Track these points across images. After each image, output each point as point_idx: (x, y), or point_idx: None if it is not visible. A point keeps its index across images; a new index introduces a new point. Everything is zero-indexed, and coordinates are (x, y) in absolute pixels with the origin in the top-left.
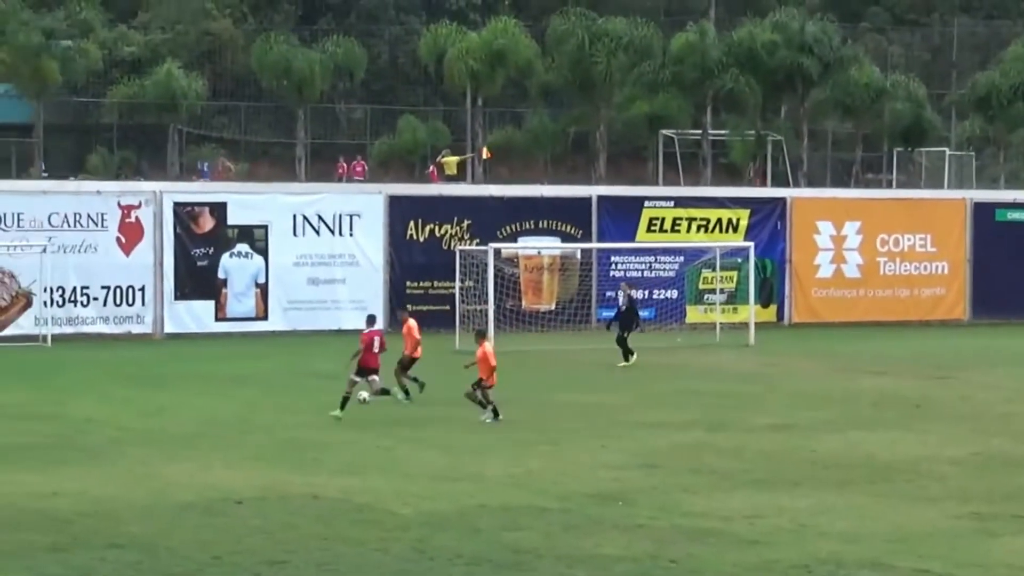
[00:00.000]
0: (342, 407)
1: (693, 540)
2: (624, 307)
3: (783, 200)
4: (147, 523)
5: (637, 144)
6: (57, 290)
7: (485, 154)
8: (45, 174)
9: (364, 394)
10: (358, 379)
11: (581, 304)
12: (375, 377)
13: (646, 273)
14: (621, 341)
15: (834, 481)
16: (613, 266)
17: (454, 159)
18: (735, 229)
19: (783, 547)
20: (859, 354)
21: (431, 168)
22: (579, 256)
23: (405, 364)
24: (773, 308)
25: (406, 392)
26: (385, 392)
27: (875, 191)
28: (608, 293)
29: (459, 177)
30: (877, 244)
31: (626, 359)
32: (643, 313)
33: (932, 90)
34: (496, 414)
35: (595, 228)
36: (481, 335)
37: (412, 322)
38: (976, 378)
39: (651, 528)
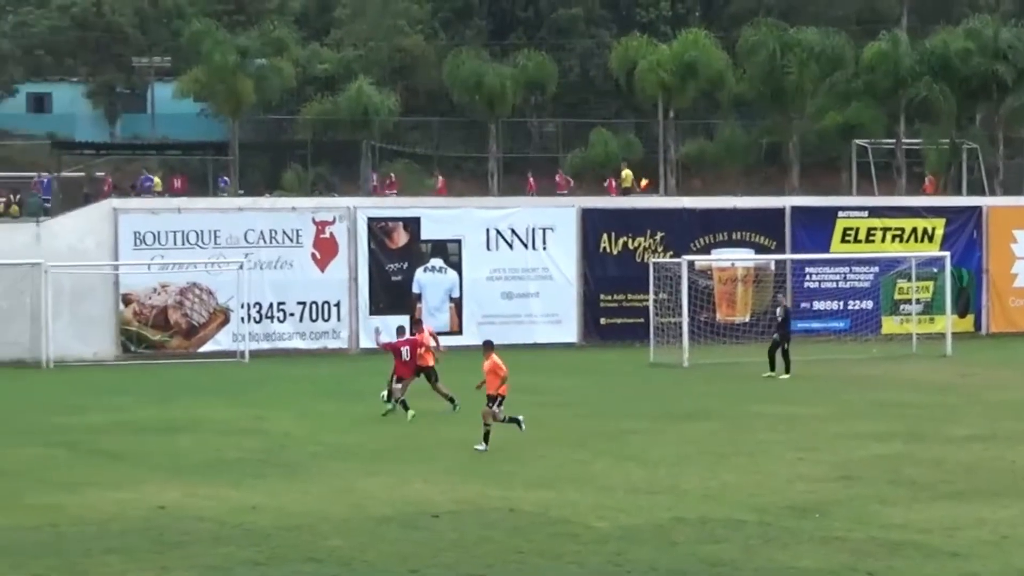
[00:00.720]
0: (404, 408)
1: (891, 553)
2: (780, 319)
3: (979, 209)
4: (345, 537)
5: (830, 154)
6: (254, 306)
7: (643, 184)
8: (241, 192)
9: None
10: (398, 385)
11: (775, 312)
12: (398, 385)
13: (840, 284)
14: (782, 352)
15: None
16: (807, 277)
17: (629, 173)
18: (931, 239)
19: (983, 559)
20: None
21: (608, 181)
22: (773, 267)
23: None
24: (970, 318)
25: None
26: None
27: None
28: (802, 304)
29: (634, 190)
30: None
31: (772, 370)
32: (838, 324)
33: None
34: (488, 435)
35: (788, 239)
36: (488, 347)
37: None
38: None
39: (848, 540)
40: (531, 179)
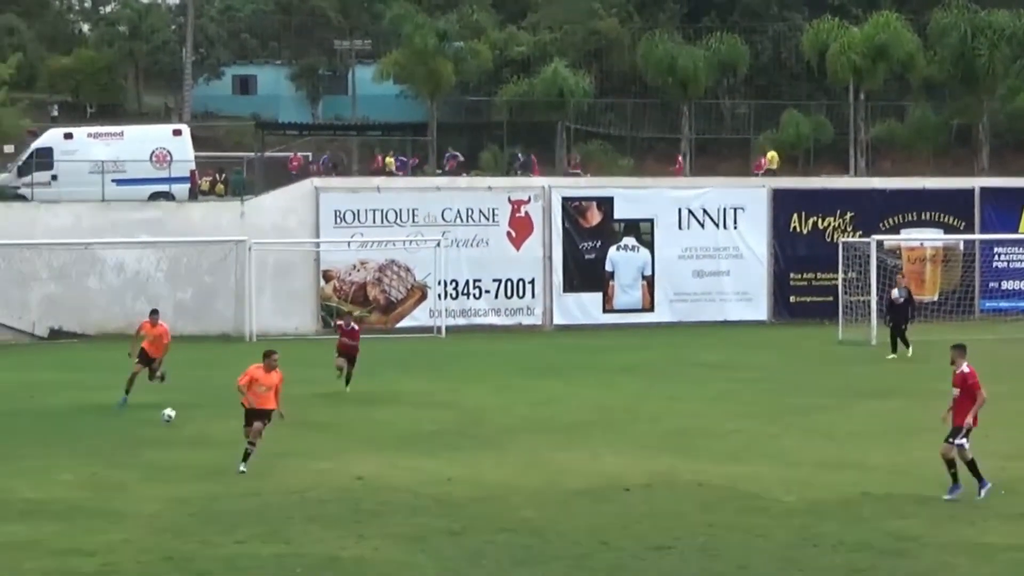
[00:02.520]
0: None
1: None
2: (902, 299)
3: None
4: (538, 508)
5: (1021, 136)
6: (450, 283)
7: (775, 160)
8: (439, 172)
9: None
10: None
11: (964, 295)
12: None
13: None
14: (899, 333)
15: None
16: (996, 257)
17: (775, 155)
18: None
19: None
20: None
21: (759, 161)
22: (962, 247)
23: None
24: None
25: None
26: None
27: None
28: (991, 284)
29: (779, 171)
30: None
31: (894, 351)
32: None
33: None
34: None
35: (978, 220)
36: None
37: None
38: None
39: None
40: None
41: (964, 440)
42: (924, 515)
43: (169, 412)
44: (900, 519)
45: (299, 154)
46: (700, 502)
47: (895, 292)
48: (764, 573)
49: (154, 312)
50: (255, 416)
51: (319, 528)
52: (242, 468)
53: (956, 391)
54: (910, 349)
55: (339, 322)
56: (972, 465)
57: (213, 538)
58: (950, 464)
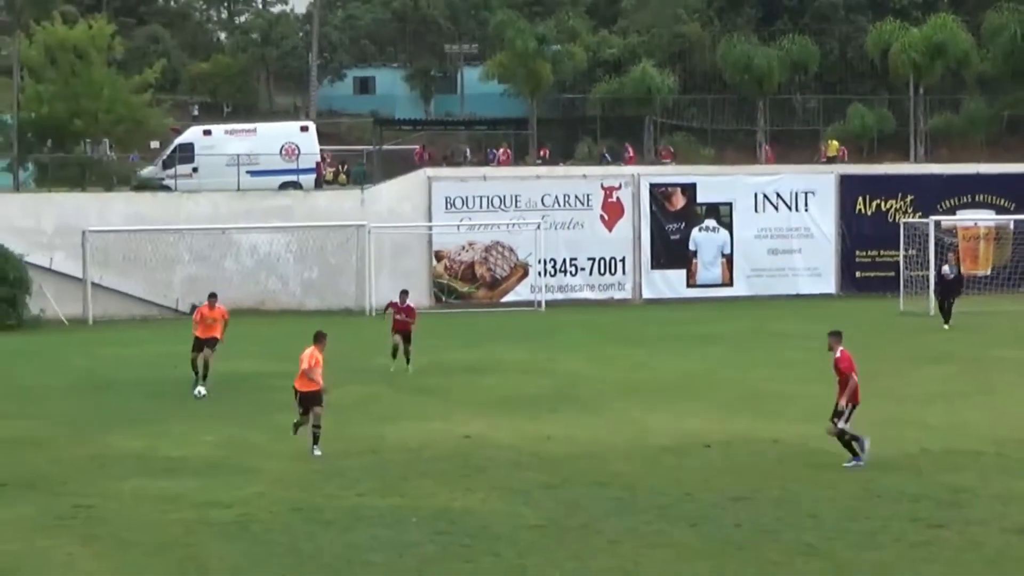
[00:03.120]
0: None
1: None
2: (952, 275)
3: None
4: (628, 464)
5: None
6: (549, 262)
7: (835, 148)
8: (539, 161)
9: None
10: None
11: (1015, 270)
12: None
13: None
14: (948, 306)
15: None
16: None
17: (835, 143)
18: None
19: None
20: None
21: (820, 149)
22: (1012, 227)
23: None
24: None
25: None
26: None
27: None
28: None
29: (840, 158)
30: None
31: (947, 321)
32: None
33: None
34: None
35: None
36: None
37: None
38: None
39: None
40: (767, 150)
41: (843, 420)
42: (977, 469)
43: (201, 389)
44: (955, 472)
45: (423, 147)
46: (775, 458)
47: (945, 268)
48: (833, 521)
49: (212, 296)
50: (308, 400)
51: (431, 482)
52: (316, 452)
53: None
54: (949, 323)
55: (394, 301)
56: (846, 442)
57: (336, 492)
58: (840, 440)
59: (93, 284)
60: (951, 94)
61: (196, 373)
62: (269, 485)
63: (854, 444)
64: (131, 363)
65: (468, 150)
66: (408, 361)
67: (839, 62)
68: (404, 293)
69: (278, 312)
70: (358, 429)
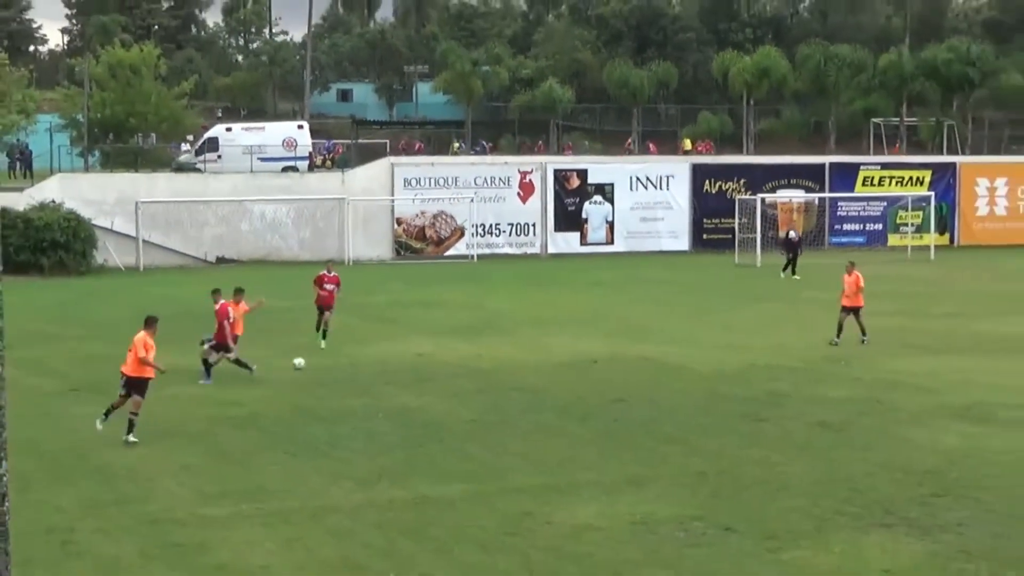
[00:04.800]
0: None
1: (892, 388)
2: (796, 239)
3: (954, 165)
4: (536, 375)
5: (856, 129)
6: (480, 226)
7: (699, 147)
8: (473, 150)
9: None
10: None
11: (818, 234)
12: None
13: (861, 214)
14: (792, 262)
15: (989, 351)
16: (839, 209)
17: (688, 141)
18: (922, 184)
19: (952, 394)
20: (1006, 267)
21: (686, 142)
22: (816, 202)
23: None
24: (947, 236)
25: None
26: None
27: (1017, 157)
28: (836, 226)
29: (694, 151)
30: (1019, 192)
31: (784, 271)
32: (859, 240)
33: None
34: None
35: (828, 183)
36: (238, 292)
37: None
38: None
39: (864, 381)
40: (651, 146)
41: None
42: (792, 379)
43: (300, 361)
44: (776, 381)
45: (417, 142)
46: (644, 371)
47: (791, 233)
48: (685, 417)
49: (239, 291)
50: (134, 386)
51: (393, 388)
52: (131, 439)
53: None
54: (797, 275)
55: (322, 273)
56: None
57: (324, 395)
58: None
59: (144, 241)
60: (773, 105)
61: (246, 365)
62: (273, 390)
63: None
64: (172, 300)
65: (419, 144)
66: (324, 336)
67: (692, 81)
68: (331, 262)
69: (280, 262)
70: (339, 349)
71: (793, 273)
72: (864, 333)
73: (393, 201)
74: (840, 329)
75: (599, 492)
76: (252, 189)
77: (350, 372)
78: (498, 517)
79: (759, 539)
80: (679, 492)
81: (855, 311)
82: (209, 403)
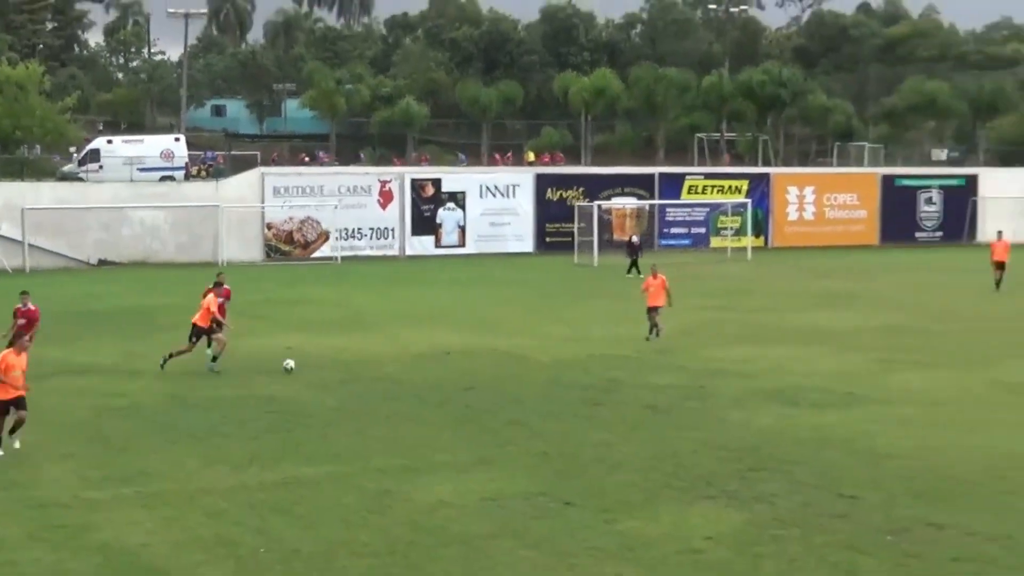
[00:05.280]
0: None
1: (713, 375)
2: (639, 242)
3: (768, 175)
4: (396, 366)
5: (683, 142)
6: (343, 230)
7: (545, 158)
8: (336, 162)
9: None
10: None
11: (649, 236)
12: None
13: (686, 218)
14: (635, 263)
15: (798, 341)
16: (667, 214)
17: (531, 153)
18: (740, 192)
19: (766, 379)
20: (813, 265)
21: (530, 154)
22: (647, 208)
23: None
24: (762, 238)
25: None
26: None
27: (823, 168)
28: (664, 230)
29: (537, 162)
30: (824, 200)
31: (629, 273)
32: (685, 242)
33: (858, 108)
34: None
35: (657, 191)
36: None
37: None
38: (884, 278)
39: (689, 369)
40: (498, 157)
41: None
42: (626, 367)
43: (290, 363)
44: (613, 369)
45: (324, 154)
46: (493, 361)
47: (634, 238)
48: (530, 403)
49: (217, 283)
50: (13, 404)
51: (264, 378)
52: (15, 444)
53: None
54: (641, 274)
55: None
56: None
57: (200, 386)
58: None
59: (30, 245)
60: (609, 121)
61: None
62: (152, 382)
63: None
64: (56, 299)
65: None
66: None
67: (536, 99)
68: (26, 294)
69: (159, 264)
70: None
71: (635, 273)
72: (653, 330)
73: (263, 208)
74: (652, 326)
75: (453, 472)
76: (132, 197)
77: (224, 364)
78: (360, 495)
79: (596, 511)
80: (525, 470)
81: (657, 309)
82: (93, 394)
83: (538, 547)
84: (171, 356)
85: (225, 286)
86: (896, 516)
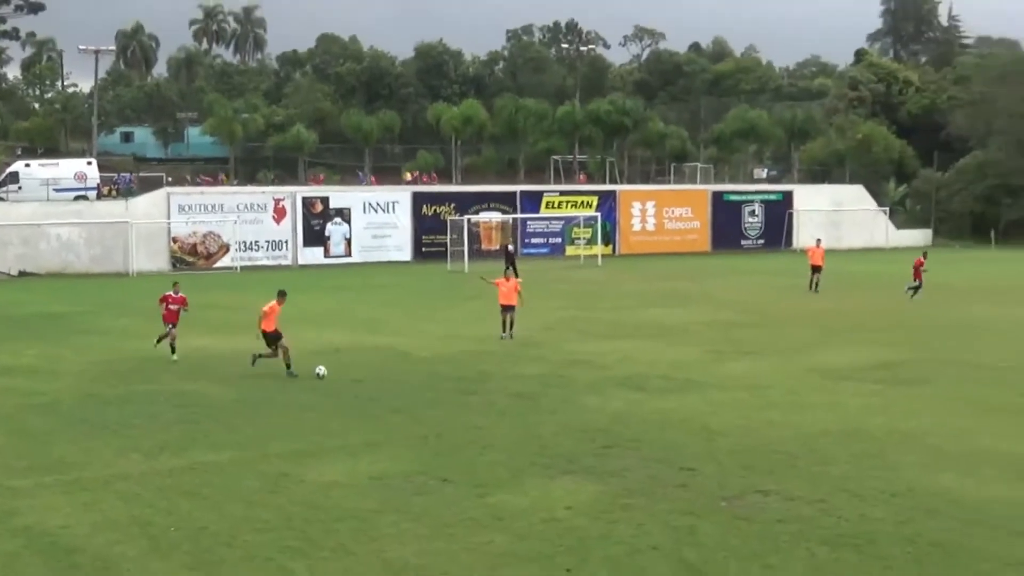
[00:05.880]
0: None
1: (571, 366)
2: (511, 251)
3: (615, 192)
4: (295, 361)
5: (541, 164)
6: (242, 243)
7: (424, 178)
8: (235, 182)
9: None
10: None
11: (514, 247)
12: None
13: (545, 230)
14: (512, 267)
15: (643, 335)
16: (528, 226)
17: (408, 175)
18: (590, 207)
19: (617, 369)
20: (655, 270)
21: (407, 175)
22: (511, 221)
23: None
24: (611, 247)
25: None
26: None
27: (662, 186)
28: (526, 240)
29: (416, 182)
30: (663, 213)
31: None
32: (544, 250)
33: (691, 134)
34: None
35: (519, 206)
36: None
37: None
38: (715, 280)
39: (550, 360)
40: (373, 178)
41: None
42: (493, 360)
43: (322, 369)
44: (482, 363)
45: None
46: (378, 356)
47: (509, 246)
48: (411, 392)
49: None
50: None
51: (172, 376)
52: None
53: None
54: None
55: (168, 294)
56: None
57: (114, 383)
58: None
59: None
60: (476, 145)
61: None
62: (71, 381)
63: None
64: None
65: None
66: (173, 351)
67: (412, 126)
68: (176, 284)
69: (75, 275)
70: (127, 344)
71: (515, 276)
72: (507, 327)
73: (169, 223)
74: (505, 324)
75: (343, 455)
76: (49, 214)
77: (137, 363)
78: (261, 478)
79: (470, 487)
80: (407, 452)
81: (511, 308)
82: (15, 392)
83: (419, 520)
84: (260, 357)
85: (181, 293)
86: (728, 485)
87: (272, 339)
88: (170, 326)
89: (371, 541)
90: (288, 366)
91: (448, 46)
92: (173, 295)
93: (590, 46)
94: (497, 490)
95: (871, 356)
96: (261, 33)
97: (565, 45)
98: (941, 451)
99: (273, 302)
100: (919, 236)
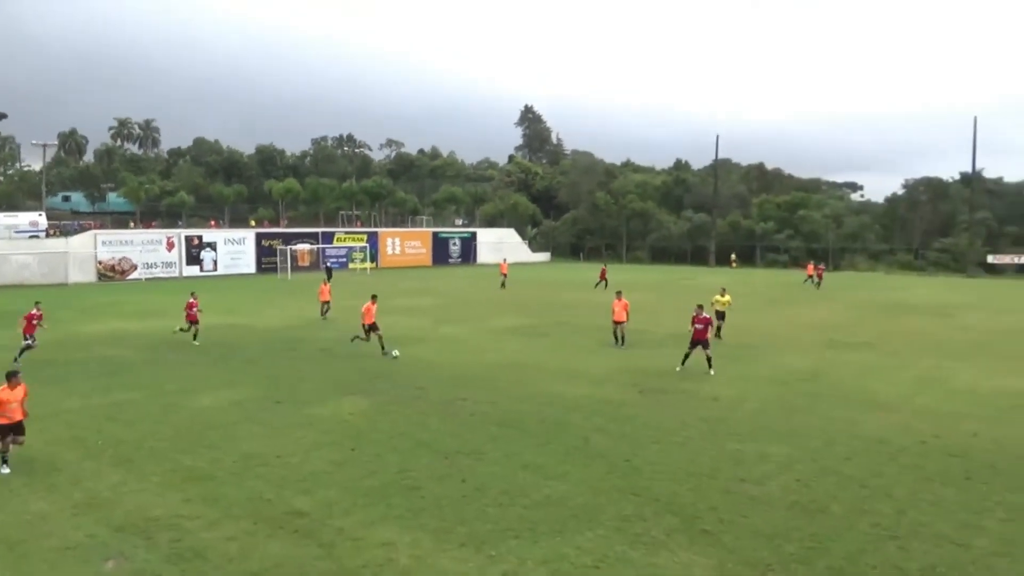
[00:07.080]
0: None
1: (357, 330)
2: (328, 267)
3: (377, 232)
4: (179, 336)
5: (333, 216)
6: (146, 263)
7: (254, 223)
8: (140, 227)
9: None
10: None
11: (322, 263)
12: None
13: (336, 254)
14: (330, 277)
15: (402, 313)
16: (326, 252)
17: (253, 222)
18: (363, 240)
19: (388, 332)
20: (401, 276)
21: (252, 222)
22: (316, 249)
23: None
24: (375, 263)
25: None
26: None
27: (403, 228)
28: (325, 260)
29: (256, 226)
30: (405, 243)
31: (329, 279)
32: (336, 265)
33: (420, 199)
34: None
35: (320, 240)
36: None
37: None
38: (436, 281)
39: (341, 329)
40: (213, 222)
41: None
42: (306, 330)
43: (396, 352)
44: (298, 331)
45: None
46: (233, 330)
47: (328, 263)
48: (258, 350)
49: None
50: (11, 430)
51: (100, 346)
52: (5, 470)
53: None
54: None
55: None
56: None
57: (60, 353)
58: None
59: None
60: (295, 205)
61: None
62: (32, 354)
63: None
64: None
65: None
66: (195, 337)
67: (254, 194)
68: (193, 293)
69: (31, 286)
70: (69, 327)
71: (329, 279)
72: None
73: (96, 251)
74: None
75: (212, 389)
76: (11, 248)
77: (76, 339)
78: (160, 407)
79: (294, 404)
80: (254, 386)
81: (327, 304)
82: None
83: (263, 425)
84: (357, 338)
85: (39, 311)
86: (444, 396)
87: (370, 329)
88: (30, 337)
89: (232, 440)
90: (383, 348)
91: (276, 146)
92: (35, 312)
93: (361, 148)
94: (311, 406)
95: (519, 321)
96: (157, 135)
97: (347, 147)
98: (555, 370)
99: (369, 302)
100: (544, 256)
